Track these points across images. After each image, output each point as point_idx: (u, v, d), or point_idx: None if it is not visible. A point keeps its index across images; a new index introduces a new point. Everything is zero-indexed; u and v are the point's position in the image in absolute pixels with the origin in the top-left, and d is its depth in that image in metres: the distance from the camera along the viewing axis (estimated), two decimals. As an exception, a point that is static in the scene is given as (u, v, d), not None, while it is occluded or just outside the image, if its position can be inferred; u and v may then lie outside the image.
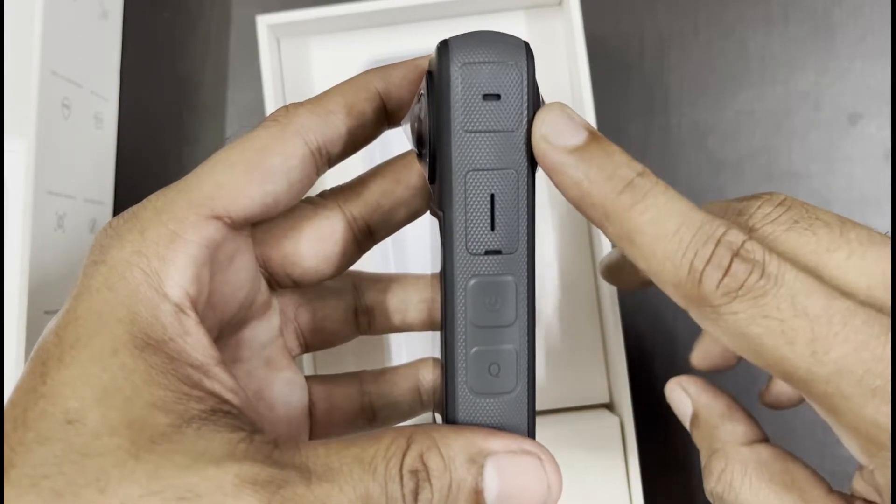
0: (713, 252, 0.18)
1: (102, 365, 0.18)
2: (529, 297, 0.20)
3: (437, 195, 0.21)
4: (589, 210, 0.19)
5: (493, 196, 0.20)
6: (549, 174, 0.20)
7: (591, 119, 0.35)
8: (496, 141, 0.19)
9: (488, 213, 0.20)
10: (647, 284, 0.23)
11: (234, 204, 0.21)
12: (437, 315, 0.21)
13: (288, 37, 0.38)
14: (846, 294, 0.18)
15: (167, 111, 0.41)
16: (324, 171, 0.23)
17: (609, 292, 0.34)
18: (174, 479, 0.17)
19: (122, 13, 0.42)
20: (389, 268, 0.37)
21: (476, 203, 0.20)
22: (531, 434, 0.20)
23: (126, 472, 0.17)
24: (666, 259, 0.18)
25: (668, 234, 0.18)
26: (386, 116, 0.23)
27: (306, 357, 0.35)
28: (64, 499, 0.16)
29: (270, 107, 0.35)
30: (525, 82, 0.19)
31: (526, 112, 0.19)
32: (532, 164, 0.20)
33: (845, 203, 0.39)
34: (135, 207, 0.21)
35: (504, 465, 0.19)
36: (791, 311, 0.18)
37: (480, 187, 0.20)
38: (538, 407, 0.35)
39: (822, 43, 0.40)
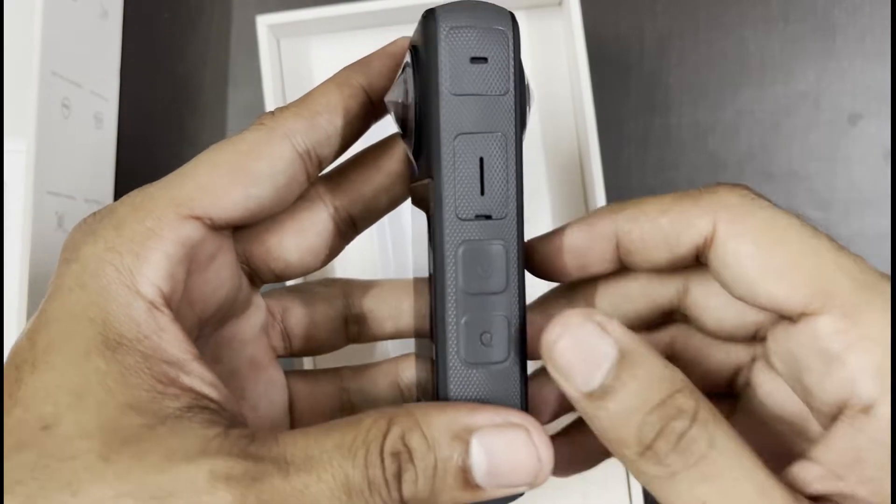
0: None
1: (75, 369, 0.18)
2: (520, 263, 0.20)
3: (424, 163, 0.20)
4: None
5: (481, 160, 0.19)
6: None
7: (591, 119, 0.35)
8: (484, 104, 0.19)
9: (477, 177, 0.19)
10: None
11: (215, 207, 0.20)
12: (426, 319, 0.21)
13: (288, 37, 0.38)
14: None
15: (167, 111, 0.41)
16: (315, 175, 0.23)
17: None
18: (146, 479, 0.16)
19: (122, 13, 0.42)
20: (389, 267, 0.37)
21: (465, 167, 0.19)
22: (524, 406, 0.20)
23: (97, 474, 0.16)
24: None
25: None
26: (372, 109, 0.23)
27: (307, 358, 0.35)
28: (36, 503, 0.16)
29: (270, 107, 0.35)
30: (511, 47, 0.19)
31: (513, 77, 0.19)
32: (519, 129, 0.20)
33: (845, 203, 0.39)
34: (113, 203, 0.20)
35: (490, 441, 0.18)
36: None
37: (469, 151, 0.19)
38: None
39: (822, 43, 0.40)
